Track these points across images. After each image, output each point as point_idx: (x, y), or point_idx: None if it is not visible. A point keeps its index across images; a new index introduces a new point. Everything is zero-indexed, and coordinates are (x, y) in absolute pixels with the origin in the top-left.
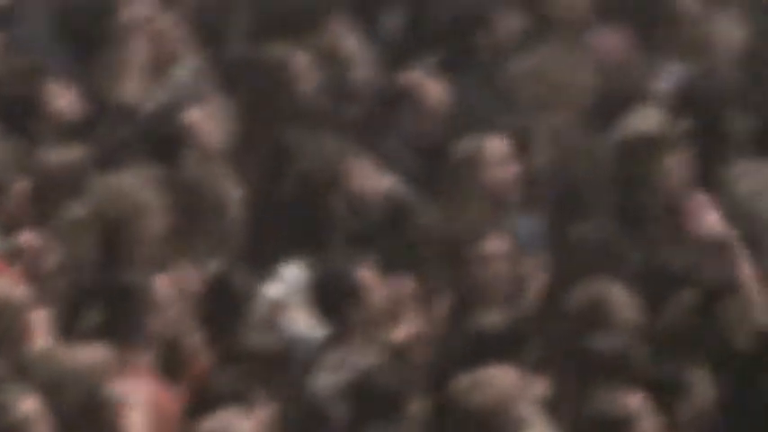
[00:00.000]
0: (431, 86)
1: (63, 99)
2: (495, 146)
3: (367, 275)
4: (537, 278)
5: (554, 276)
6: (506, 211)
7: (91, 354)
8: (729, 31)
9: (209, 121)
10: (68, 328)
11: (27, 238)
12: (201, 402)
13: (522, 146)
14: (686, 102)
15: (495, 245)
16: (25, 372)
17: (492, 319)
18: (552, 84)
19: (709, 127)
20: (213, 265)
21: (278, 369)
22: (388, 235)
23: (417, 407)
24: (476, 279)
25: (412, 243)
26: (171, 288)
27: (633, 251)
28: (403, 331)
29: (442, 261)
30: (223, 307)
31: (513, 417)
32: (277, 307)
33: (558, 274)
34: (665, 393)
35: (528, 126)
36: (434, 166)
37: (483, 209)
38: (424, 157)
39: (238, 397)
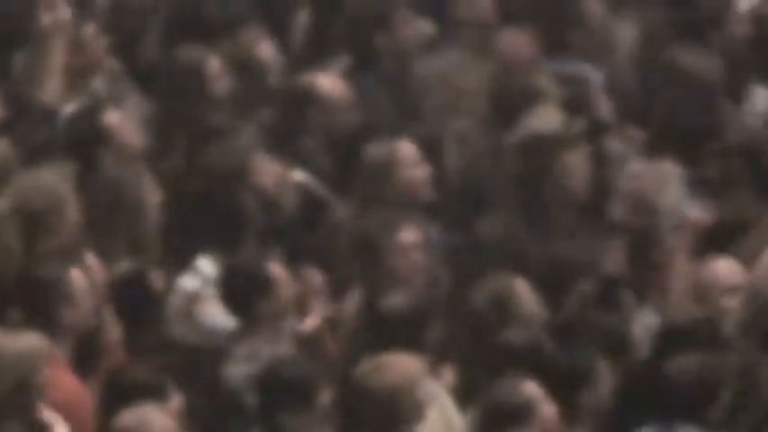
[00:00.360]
0: (337, 88)
1: None
2: (406, 150)
3: (277, 269)
4: (443, 271)
5: (461, 271)
6: (417, 210)
7: (25, 341)
8: (626, 34)
9: (127, 123)
10: None
11: None
12: (117, 395)
13: (431, 148)
14: (584, 102)
15: (407, 236)
16: None
17: (399, 305)
18: (458, 88)
19: (606, 126)
20: (130, 261)
21: (192, 360)
22: (301, 229)
23: (326, 394)
24: (387, 270)
25: (324, 237)
26: (86, 281)
27: (536, 246)
28: (311, 322)
29: (355, 254)
30: (139, 300)
31: (413, 400)
32: (192, 300)
33: (465, 268)
34: (566, 382)
35: (436, 129)
36: (347, 166)
37: (395, 209)
38: (336, 157)
39: (153, 389)
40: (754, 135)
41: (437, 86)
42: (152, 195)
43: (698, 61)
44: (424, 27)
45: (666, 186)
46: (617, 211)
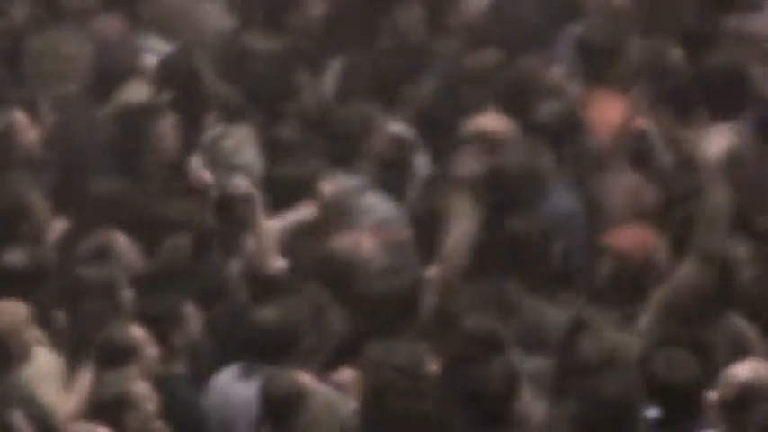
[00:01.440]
0: None
1: None
2: (19, 117)
3: None
4: (55, 225)
5: (71, 226)
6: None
7: None
8: (211, 15)
9: None
10: None
11: None
12: None
13: (34, 115)
14: (169, 75)
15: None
16: None
17: (16, 261)
18: (57, 60)
19: (190, 96)
20: None
21: None
22: None
23: None
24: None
25: None
26: None
27: (136, 203)
28: None
29: None
30: None
31: (19, 343)
32: None
33: (74, 223)
34: (161, 325)
35: (38, 97)
36: None
37: (15, 173)
38: None
39: None
40: (327, 103)
41: (43, 60)
42: None
43: (271, 41)
44: (32, 9)
45: (243, 147)
46: (202, 171)
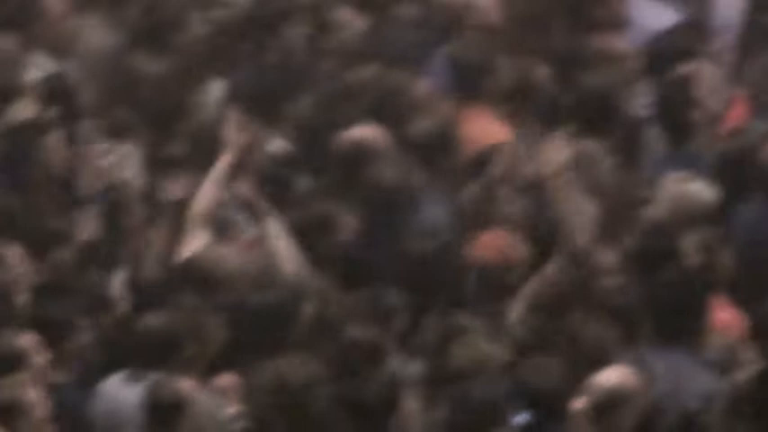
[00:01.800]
0: None
1: None
2: None
3: None
4: None
5: None
6: None
7: None
8: (92, 32)
9: None
10: None
11: None
12: None
13: None
14: (53, 91)
15: None
16: None
17: None
18: None
19: (75, 112)
20: None
21: None
22: None
23: None
24: None
25: None
26: None
27: (25, 215)
28: None
29: None
30: None
31: None
32: None
33: None
34: (51, 333)
35: None
36: None
37: None
38: None
39: None
40: (209, 119)
41: None
42: None
43: (156, 61)
44: None
45: (128, 163)
46: (86, 185)
